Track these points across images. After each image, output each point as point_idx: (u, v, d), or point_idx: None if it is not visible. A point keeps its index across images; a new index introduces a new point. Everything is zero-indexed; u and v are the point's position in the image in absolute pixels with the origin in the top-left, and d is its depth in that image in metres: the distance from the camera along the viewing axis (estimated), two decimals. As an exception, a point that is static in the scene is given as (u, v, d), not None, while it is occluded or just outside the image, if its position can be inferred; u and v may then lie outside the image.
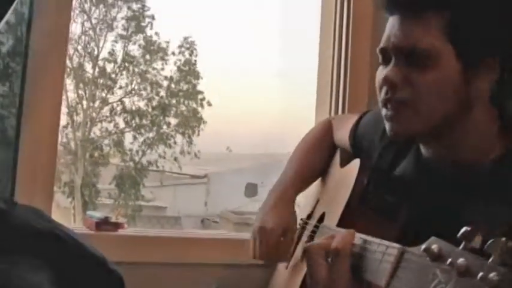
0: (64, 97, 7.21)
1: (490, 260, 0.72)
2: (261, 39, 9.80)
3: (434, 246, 0.80)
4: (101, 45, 7.60)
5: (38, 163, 1.85)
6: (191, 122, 8.06)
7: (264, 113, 9.48)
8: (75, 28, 7.39)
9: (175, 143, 8.10)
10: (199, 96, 8.07)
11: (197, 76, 8.11)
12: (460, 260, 0.75)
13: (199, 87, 8.12)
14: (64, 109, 7.42)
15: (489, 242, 0.74)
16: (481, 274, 0.71)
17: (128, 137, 7.89)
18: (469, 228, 0.78)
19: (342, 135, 1.68)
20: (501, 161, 1.22)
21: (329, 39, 2.30)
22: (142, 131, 7.92)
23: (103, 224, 1.93)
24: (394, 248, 0.91)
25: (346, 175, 1.47)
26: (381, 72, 1.26)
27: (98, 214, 1.99)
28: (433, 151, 1.31)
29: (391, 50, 1.23)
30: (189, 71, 8.00)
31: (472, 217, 1.17)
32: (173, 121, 8.07)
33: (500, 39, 1.21)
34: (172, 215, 8.49)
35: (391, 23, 1.25)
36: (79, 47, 7.45)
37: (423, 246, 0.81)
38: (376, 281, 0.95)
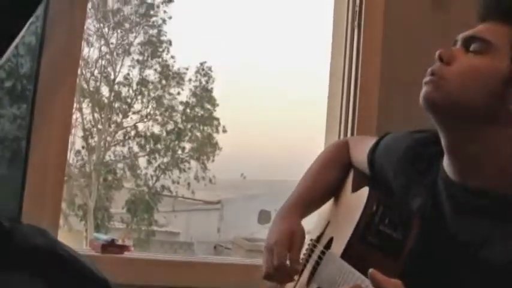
0: (80, 120, 7.28)
1: None
2: (276, 66, 9.87)
3: None
4: (117, 69, 7.67)
5: (45, 185, 1.86)
6: (206, 148, 8.08)
7: (279, 139, 9.51)
8: (92, 52, 7.47)
9: (189, 168, 8.11)
10: (215, 122, 8.09)
11: (213, 103, 8.14)
12: None
13: (215, 113, 8.16)
14: (80, 132, 7.48)
15: None
16: None
17: (142, 162, 7.91)
18: None
19: (359, 155, 1.68)
20: None
21: (339, 67, 2.32)
22: (157, 155, 7.94)
23: (109, 246, 1.93)
24: None
25: (354, 203, 1.46)
26: None
27: (104, 236, 2.00)
28: (459, 174, 1.31)
29: (461, 39, 1.31)
30: (204, 97, 8.04)
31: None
32: (188, 146, 8.09)
33: None
34: (185, 240, 8.48)
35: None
36: (96, 71, 7.52)
37: None
38: None
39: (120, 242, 1.98)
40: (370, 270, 0.95)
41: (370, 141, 1.64)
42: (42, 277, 1.29)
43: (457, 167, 1.31)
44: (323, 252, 1.53)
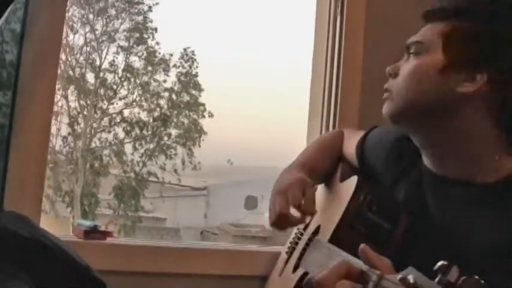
0: (66, 107, 7.26)
1: None
2: (263, 51, 9.85)
3: (410, 277, 0.81)
4: (103, 56, 7.64)
5: (28, 172, 1.86)
6: (192, 133, 8.08)
7: (266, 126, 9.51)
8: (78, 39, 7.43)
9: (175, 154, 8.11)
10: (201, 108, 8.08)
11: (199, 88, 8.13)
12: None
13: (200, 99, 8.15)
14: (65, 119, 7.46)
15: (462, 278, 0.77)
16: None
17: (128, 148, 7.90)
18: (445, 263, 0.80)
19: (350, 148, 1.70)
20: (502, 184, 1.24)
21: (322, 57, 2.33)
22: (143, 142, 7.93)
23: (91, 233, 1.94)
24: (373, 273, 0.93)
25: (343, 191, 1.47)
26: None
27: (87, 222, 2.00)
28: (438, 167, 1.34)
29: (404, 49, 1.38)
30: (189, 82, 8.02)
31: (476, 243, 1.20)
32: (174, 132, 8.08)
33: (488, 56, 1.26)
34: (172, 226, 8.49)
35: None
36: (81, 58, 7.49)
37: (399, 276, 0.83)
38: None
39: (103, 228, 1.98)
40: (362, 245, 0.96)
41: (359, 136, 1.66)
42: (23, 265, 1.30)
43: (434, 160, 1.35)
44: (310, 239, 1.54)
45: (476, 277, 0.76)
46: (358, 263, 0.97)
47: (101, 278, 1.45)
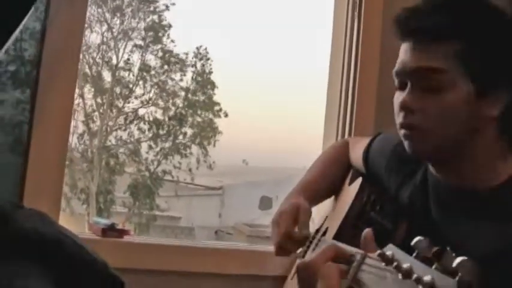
0: (82, 105, 7.29)
1: (433, 266, 0.78)
2: (279, 50, 9.85)
3: (388, 252, 0.85)
4: (120, 54, 7.68)
5: (47, 170, 1.88)
6: (207, 133, 8.09)
7: (282, 126, 9.52)
8: (95, 38, 7.47)
9: (191, 153, 8.13)
10: (216, 108, 8.10)
11: (213, 86, 8.15)
12: (406, 265, 0.80)
13: (215, 98, 8.17)
14: (82, 117, 7.50)
15: (435, 248, 0.80)
16: (415, 275, 0.77)
17: (144, 147, 7.93)
18: (422, 238, 0.83)
19: (357, 156, 1.72)
20: (502, 188, 1.24)
21: (339, 61, 2.34)
22: (158, 140, 7.96)
23: (109, 230, 1.95)
24: (358, 253, 0.96)
25: (349, 193, 1.50)
26: (398, 97, 1.32)
27: (104, 220, 2.01)
28: (441, 174, 1.34)
29: (407, 75, 1.29)
30: (204, 81, 8.04)
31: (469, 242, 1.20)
32: (189, 132, 8.11)
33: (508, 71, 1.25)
34: (187, 225, 8.51)
35: (405, 49, 1.31)
36: (98, 56, 7.53)
37: (378, 251, 0.87)
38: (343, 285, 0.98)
39: (120, 226, 2.00)
40: (367, 229, 0.99)
41: (366, 141, 1.67)
42: (42, 261, 1.31)
43: (439, 168, 1.35)
44: (319, 240, 1.56)
45: (449, 249, 0.78)
46: (349, 247, 1.00)
47: (118, 276, 1.46)
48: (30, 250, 1.29)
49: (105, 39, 7.62)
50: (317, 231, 1.68)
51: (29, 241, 1.31)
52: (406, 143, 1.31)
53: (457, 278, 0.74)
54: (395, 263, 0.82)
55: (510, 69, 1.25)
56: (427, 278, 0.75)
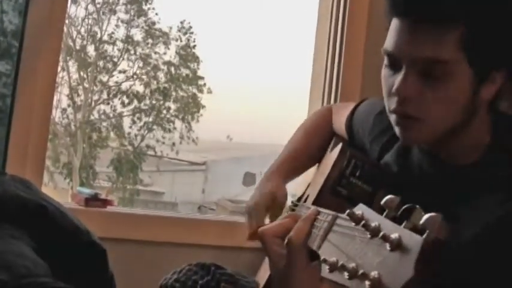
0: (66, 79, 7.24)
1: (402, 224, 0.77)
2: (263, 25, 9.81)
3: (358, 212, 0.85)
4: (104, 28, 7.61)
5: (29, 142, 1.89)
6: (191, 108, 8.06)
7: (266, 102, 9.50)
8: (78, 11, 7.40)
9: (174, 128, 8.11)
10: (200, 82, 8.06)
11: (196, 60, 8.10)
12: (374, 223, 0.80)
13: (200, 73, 8.12)
14: (66, 91, 7.45)
15: (405, 206, 0.80)
16: (382, 233, 0.77)
17: (127, 121, 7.90)
18: (392, 197, 0.82)
19: (340, 122, 1.71)
20: (480, 164, 1.26)
21: (325, 30, 2.34)
22: (142, 115, 7.92)
23: (92, 200, 1.96)
24: (329, 214, 0.96)
25: (330, 158, 1.50)
26: (389, 77, 1.25)
27: (87, 190, 2.02)
28: (428, 148, 1.34)
29: (404, 59, 1.21)
30: (187, 55, 7.99)
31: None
32: (173, 106, 8.07)
33: (506, 52, 1.23)
34: (170, 200, 8.50)
35: (401, 28, 1.21)
36: (82, 30, 7.47)
37: (347, 211, 0.87)
38: (313, 247, 0.99)
39: (103, 196, 2.01)
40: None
41: (351, 108, 1.67)
42: (24, 226, 1.32)
43: (428, 151, 1.35)
44: (296, 205, 1.58)
45: (418, 207, 0.77)
46: (327, 211, 1.02)
47: (100, 243, 1.48)
48: (12, 215, 1.30)
49: (89, 12, 7.54)
50: (299, 199, 1.69)
51: (11, 206, 1.32)
52: (398, 130, 1.27)
53: (424, 236, 0.72)
54: (363, 222, 0.82)
55: (507, 52, 1.23)
56: (394, 235, 0.75)
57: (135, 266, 1.94)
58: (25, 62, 1.90)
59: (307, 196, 1.58)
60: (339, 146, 1.45)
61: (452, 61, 1.16)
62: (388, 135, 1.45)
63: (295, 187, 1.87)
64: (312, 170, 1.81)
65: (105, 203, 2.01)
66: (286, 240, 1.03)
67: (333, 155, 1.47)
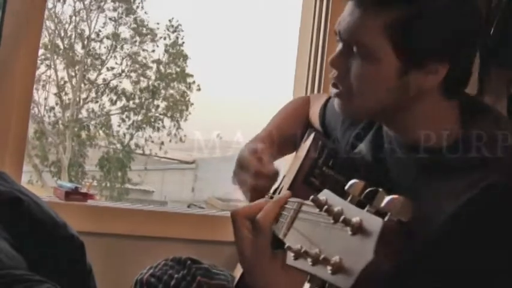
0: (54, 77, 7.23)
1: (365, 208, 0.77)
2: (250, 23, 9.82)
3: (322, 198, 0.85)
4: (92, 26, 7.59)
5: (9, 131, 1.88)
6: (179, 105, 8.05)
7: (255, 100, 9.50)
8: (66, 8, 7.37)
9: (163, 127, 8.09)
10: (189, 80, 8.05)
11: (185, 58, 8.08)
12: (337, 208, 0.80)
13: (188, 71, 8.11)
14: (54, 89, 7.43)
15: (368, 190, 0.80)
16: (343, 217, 0.76)
17: (116, 119, 7.88)
18: (356, 181, 0.82)
19: (314, 113, 1.72)
20: (453, 147, 1.26)
21: (308, 27, 2.35)
22: (131, 114, 7.91)
23: (72, 194, 1.96)
24: (295, 202, 0.97)
25: (302, 149, 1.50)
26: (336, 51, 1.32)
27: (68, 184, 2.02)
28: (393, 131, 1.36)
29: (339, 35, 1.30)
30: (176, 53, 7.98)
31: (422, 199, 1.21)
32: (162, 104, 8.06)
33: (447, 45, 1.24)
34: (159, 199, 8.49)
35: (346, 8, 1.30)
36: (70, 28, 7.44)
37: (311, 197, 0.87)
38: (279, 235, 1.00)
39: (84, 190, 2.00)
40: None
41: (324, 100, 1.68)
42: (2, 221, 1.32)
43: (389, 127, 1.37)
44: (271, 198, 1.56)
45: (382, 190, 0.76)
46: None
47: (78, 236, 1.48)
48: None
49: (77, 10, 7.51)
50: (275, 191, 1.69)
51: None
52: (336, 103, 1.34)
53: (386, 218, 0.72)
54: (326, 207, 0.82)
55: (449, 41, 1.24)
56: (355, 219, 0.75)
57: (115, 259, 1.94)
58: (3, 57, 1.90)
59: (282, 187, 1.58)
60: (311, 135, 1.45)
61: (372, 45, 1.22)
62: (360, 125, 1.47)
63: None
64: (288, 161, 1.80)
65: (86, 196, 2.00)
66: (254, 223, 1.06)
67: (306, 145, 1.47)
